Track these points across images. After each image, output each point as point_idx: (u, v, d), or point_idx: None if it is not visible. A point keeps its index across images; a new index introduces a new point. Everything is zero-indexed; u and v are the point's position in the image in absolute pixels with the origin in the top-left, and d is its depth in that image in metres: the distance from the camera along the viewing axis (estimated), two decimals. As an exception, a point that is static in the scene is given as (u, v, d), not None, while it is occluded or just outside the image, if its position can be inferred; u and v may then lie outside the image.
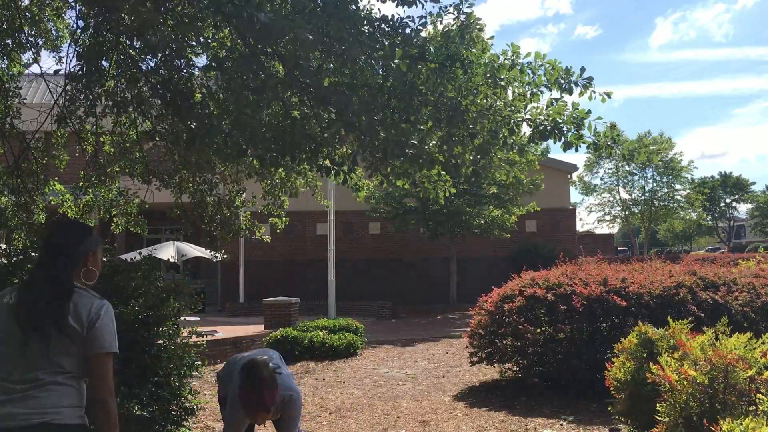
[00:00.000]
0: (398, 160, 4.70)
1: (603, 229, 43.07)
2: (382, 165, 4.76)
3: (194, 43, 4.83)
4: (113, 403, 2.26)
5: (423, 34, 4.41)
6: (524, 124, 4.77)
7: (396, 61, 4.12)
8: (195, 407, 5.28)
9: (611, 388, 5.02)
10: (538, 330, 7.02)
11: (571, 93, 4.53)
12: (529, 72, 4.69)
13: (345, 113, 3.99)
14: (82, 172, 7.36)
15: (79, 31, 5.77)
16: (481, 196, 18.40)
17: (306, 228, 21.70)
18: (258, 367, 3.44)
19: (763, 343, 3.95)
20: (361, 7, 4.23)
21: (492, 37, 4.91)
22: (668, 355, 4.26)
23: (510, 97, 4.87)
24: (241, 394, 3.40)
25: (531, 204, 18.83)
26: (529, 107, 4.83)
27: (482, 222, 18.46)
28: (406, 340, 13.12)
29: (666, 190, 39.42)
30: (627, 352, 4.98)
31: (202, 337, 5.89)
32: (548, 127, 4.53)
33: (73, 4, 6.61)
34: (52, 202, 7.79)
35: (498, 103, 4.80)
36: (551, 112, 4.60)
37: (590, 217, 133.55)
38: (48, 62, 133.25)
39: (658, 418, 3.90)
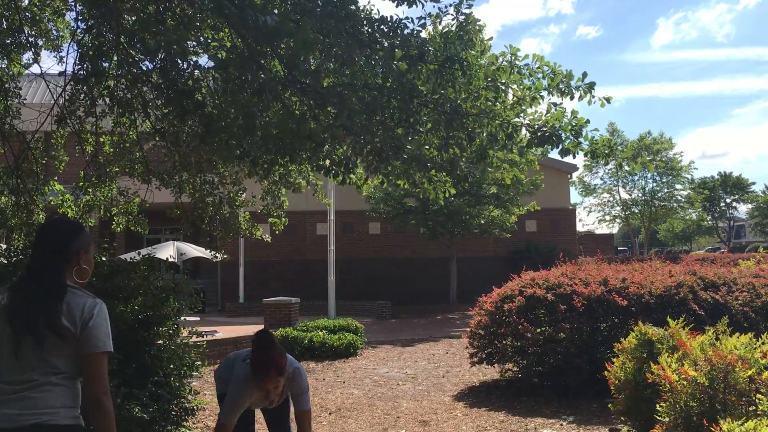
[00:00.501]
0: (396, 162, 4.70)
1: (603, 230, 43.11)
2: (380, 166, 4.76)
3: (194, 44, 4.84)
4: (109, 402, 2.24)
5: (423, 35, 4.41)
6: (523, 129, 4.78)
7: (395, 62, 4.12)
8: (195, 407, 5.28)
9: (611, 388, 5.02)
10: (538, 330, 7.02)
11: (572, 98, 4.54)
12: (528, 75, 4.69)
13: (341, 115, 3.99)
14: (82, 172, 7.36)
15: (80, 31, 5.76)
16: (481, 196, 18.40)
17: (306, 228, 21.70)
18: (270, 333, 3.49)
19: (763, 343, 3.95)
20: (361, 8, 4.23)
21: (491, 39, 4.91)
22: (668, 355, 4.26)
23: (510, 101, 4.88)
24: (254, 360, 3.37)
25: (531, 204, 18.83)
26: (528, 112, 4.85)
27: (482, 222, 18.47)
28: (406, 340, 13.12)
29: (666, 190, 39.44)
30: (627, 352, 4.98)
31: (202, 337, 5.90)
32: (546, 134, 4.53)
33: (72, 4, 6.61)
34: (52, 202, 7.78)
35: (497, 106, 4.80)
36: (549, 118, 4.61)
37: (590, 218, 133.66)
38: (48, 62, 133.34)
39: (658, 418, 3.90)
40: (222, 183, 7.38)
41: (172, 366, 5.00)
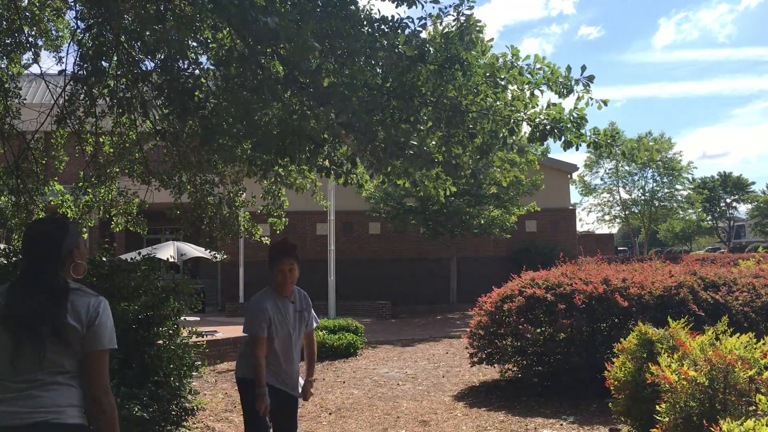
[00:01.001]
0: (398, 161, 4.70)
1: (603, 230, 43.11)
2: (382, 165, 4.76)
3: (194, 44, 4.84)
4: (107, 399, 2.25)
5: (423, 35, 4.41)
6: (524, 123, 4.77)
7: (399, 48, 4.11)
8: (195, 407, 5.28)
9: (611, 388, 5.02)
10: (538, 330, 7.02)
11: (571, 92, 4.53)
12: (528, 75, 4.69)
13: (344, 114, 4.00)
14: (81, 172, 7.36)
15: (79, 31, 5.77)
16: (481, 196, 18.40)
17: (306, 228, 21.69)
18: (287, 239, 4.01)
19: (763, 343, 3.95)
20: (361, 8, 4.23)
21: (492, 39, 4.91)
22: (668, 356, 4.26)
23: (509, 98, 4.87)
24: (271, 249, 3.91)
25: (531, 204, 18.83)
26: (528, 107, 4.84)
27: (482, 222, 18.47)
28: (406, 340, 13.12)
29: (666, 190, 39.45)
30: (627, 352, 4.98)
31: (202, 337, 5.90)
32: (548, 127, 4.53)
33: (72, 4, 6.61)
34: (52, 203, 7.79)
35: (498, 104, 4.80)
36: (551, 111, 4.61)
37: (590, 217, 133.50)
38: (48, 62, 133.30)
39: (658, 418, 3.90)
40: (222, 183, 7.39)
41: (172, 366, 5.00)
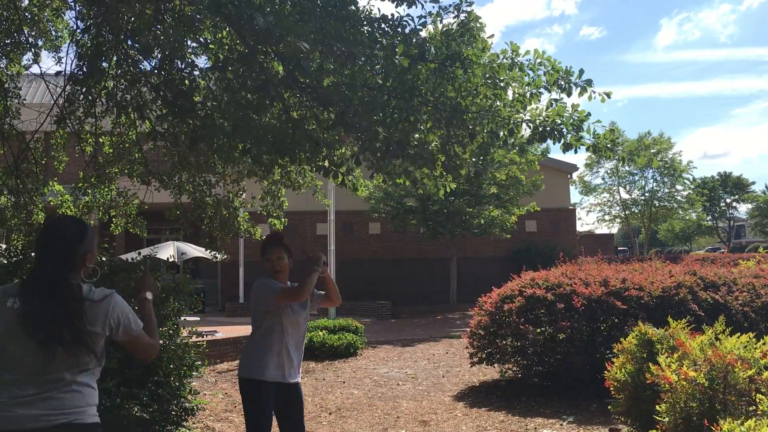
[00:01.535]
0: (398, 160, 4.69)
1: (603, 230, 43.08)
2: (383, 164, 4.75)
3: (194, 45, 4.83)
4: (157, 339, 2.57)
5: (423, 33, 4.40)
6: (524, 125, 4.77)
7: (396, 58, 4.11)
8: (195, 407, 5.28)
9: (611, 389, 5.01)
10: (538, 330, 7.02)
11: (570, 94, 4.53)
12: (529, 72, 4.68)
13: (345, 114, 3.99)
14: (81, 172, 7.36)
15: (79, 31, 5.76)
16: (481, 196, 18.40)
17: (306, 228, 21.69)
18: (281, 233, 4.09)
19: (763, 343, 3.95)
20: (361, 7, 4.22)
21: (492, 36, 4.90)
22: (668, 356, 4.26)
23: (510, 98, 4.87)
24: (264, 239, 3.98)
25: (531, 204, 18.83)
26: (528, 108, 4.83)
27: (482, 222, 18.46)
28: (406, 340, 13.12)
29: (666, 190, 39.43)
30: (627, 352, 4.97)
31: (202, 337, 5.89)
32: (548, 129, 4.52)
33: (72, 4, 6.61)
34: (52, 203, 7.78)
35: (498, 104, 4.79)
36: (551, 113, 4.60)
37: (590, 217, 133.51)
38: (48, 62, 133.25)
39: (657, 418, 3.90)
40: (222, 182, 7.38)
41: (172, 366, 5.00)
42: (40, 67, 7.61)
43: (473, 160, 5.15)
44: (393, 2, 4.18)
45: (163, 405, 4.89)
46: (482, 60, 4.69)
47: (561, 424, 6.04)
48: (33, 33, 7.12)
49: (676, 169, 38.22)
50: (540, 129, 4.56)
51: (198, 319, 12.69)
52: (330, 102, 4.09)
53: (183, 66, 4.60)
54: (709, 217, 52.31)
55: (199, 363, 5.40)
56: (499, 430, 5.97)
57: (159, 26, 4.12)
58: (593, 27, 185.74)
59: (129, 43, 5.02)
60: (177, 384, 5.05)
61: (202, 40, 4.90)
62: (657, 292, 7.09)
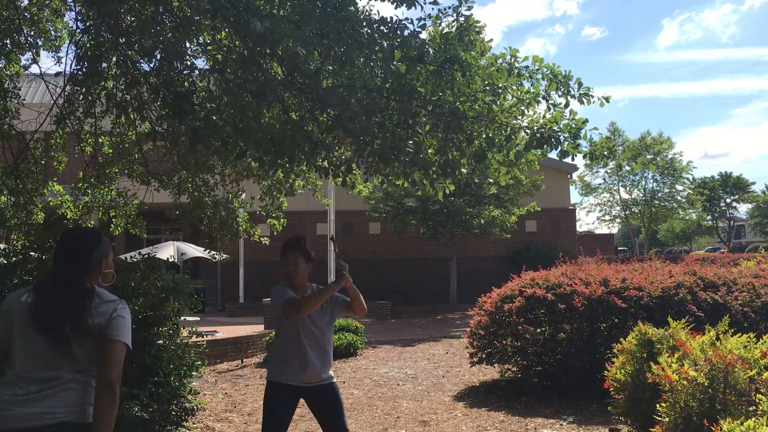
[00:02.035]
0: (395, 164, 4.69)
1: (603, 230, 43.08)
2: (381, 167, 4.75)
3: (193, 46, 4.83)
4: (118, 390, 2.30)
5: (422, 35, 4.40)
6: (521, 131, 4.77)
7: (395, 62, 4.11)
8: (195, 407, 5.27)
9: (611, 389, 5.01)
10: (538, 330, 7.02)
11: (568, 105, 4.54)
12: (528, 77, 4.68)
13: (343, 116, 3.99)
14: (81, 172, 7.35)
15: (78, 32, 5.76)
16: (481, 196, 18.40)
17: (306, 228, 21.69)
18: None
19: (763, 343, 3.95)
20: (360, 9, 4.22)
21: (491, 40, 4.90)
22: (668, 356, 4.25)
23: (508, 104, 4.87)
24: (285, 242, 3.92)
25: (531, 204, 18.83)
26: (526, 115, 4.84)
27: (482, 222, 18.47)
28: (406, 340, 13.12)
29: (666, 190, 39.42)
30: (627, 352, 4.97)
31: (202, 337, 5.89)
32: (545, 135, 4.53)
33: (72, 4, 6.60)
34: (51, 203, 7.78)
35: (495, 108, 4.79)
36: (548, 120, 4.61)
37: (590, 217, 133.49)
38: (47, 63, 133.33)
39: (658, 418, 3.90)
40: (222, 183, 7.38)
41: (172, 366, 4.99)
42: (39, 68, 7.61)
43: (471, 161, 5.14)
44: (392, 3, 4.18)
45: (163, 405, 4.89)
46: (481, 62, 4.69)
47: (561, 425, 6.04)
48: (32, 33, 7.12)
49: (676, 169, 38.22)
50: (537, 135, 4.56)
51: (198, 319, 12.68)
52: (328, 104, 4.09)
53: (182, 68, 4.59)
54: (709, 217, 52.33)
55: (199, 363, 5.40)
56: (499, 430, 5.96)
57: (158, 27, 4.12)
58: (595, 27, 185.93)
59: (128, 43, 5.02)
60: (177, 384, 5.05)
61: (200, 41, 4.90)
62: (657, 292, 7.09)
